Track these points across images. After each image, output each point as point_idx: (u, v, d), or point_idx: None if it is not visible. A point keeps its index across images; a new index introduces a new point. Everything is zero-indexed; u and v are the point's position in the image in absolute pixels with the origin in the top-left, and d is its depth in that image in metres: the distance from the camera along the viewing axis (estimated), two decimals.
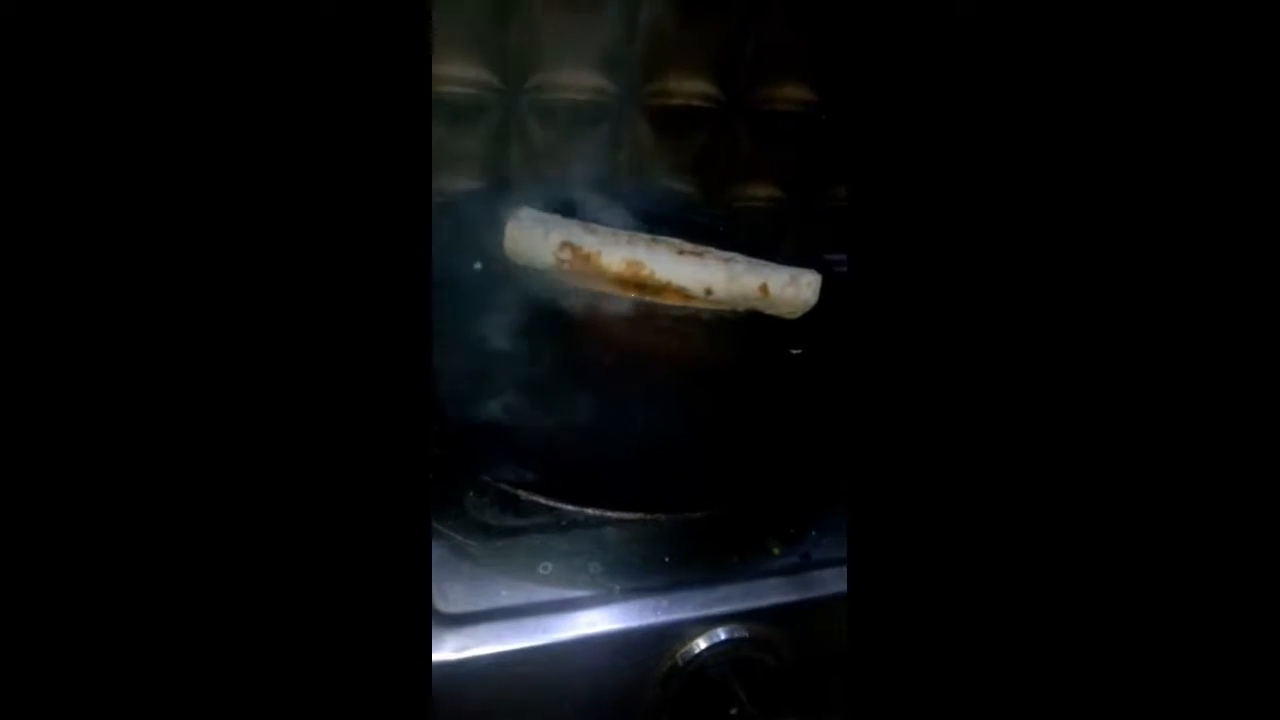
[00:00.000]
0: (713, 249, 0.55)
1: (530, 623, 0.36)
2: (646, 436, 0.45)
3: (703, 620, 0.38)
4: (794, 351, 0.53)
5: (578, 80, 0.66)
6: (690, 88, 0.69)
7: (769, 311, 0.54)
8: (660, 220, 0.64)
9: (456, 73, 0.63)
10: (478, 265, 0.56)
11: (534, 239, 0.54)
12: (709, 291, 0.53)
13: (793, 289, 0.53)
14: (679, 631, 0.38)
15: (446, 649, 0.34)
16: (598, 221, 0.58)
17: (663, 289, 0.54)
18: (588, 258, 0.53)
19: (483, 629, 0.35)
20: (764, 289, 0.52)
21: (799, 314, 0.54)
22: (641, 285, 0.53)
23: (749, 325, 0.55)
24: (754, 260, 0.54)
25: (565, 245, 0.53)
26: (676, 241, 0.55)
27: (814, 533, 0.44)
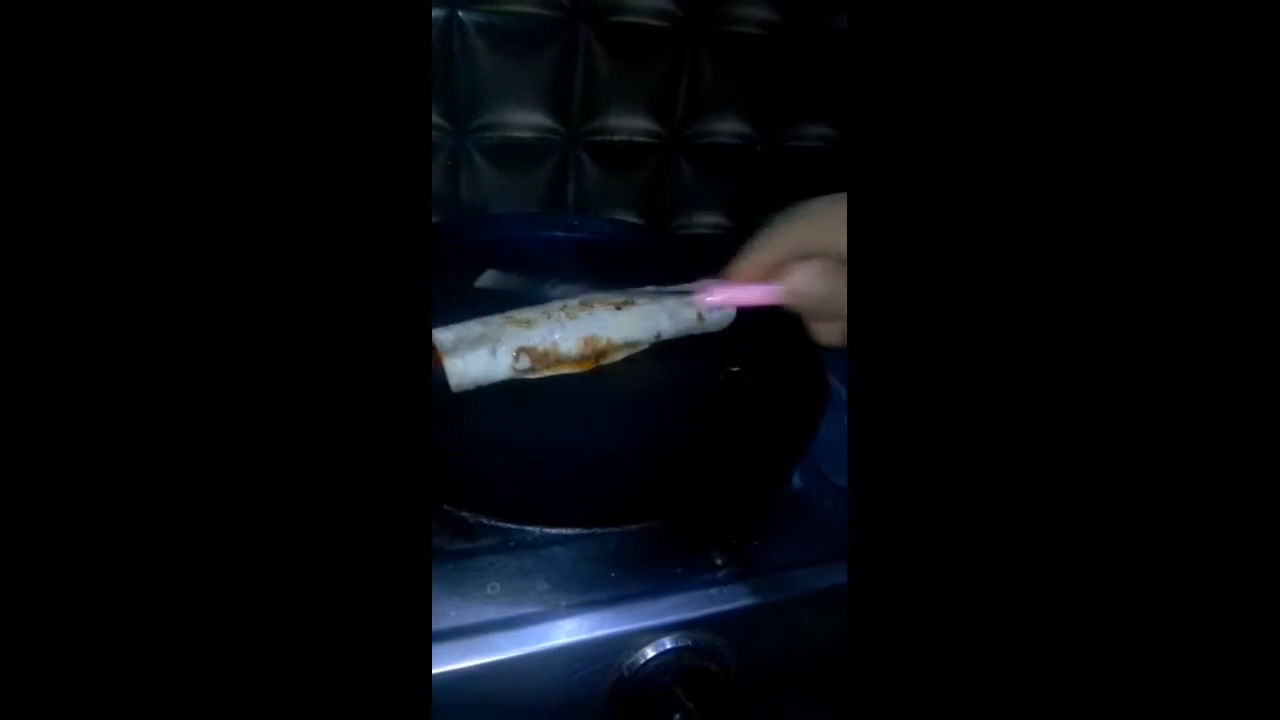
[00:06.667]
0: (633, 290, 0.56)
1: (478, 641, 0.37)
2: (590, 454, 0.46)
3: (648, 631, 0.40)
4: (732, 369, 0.55)
5: (522, 119, 0.69)
6: (631, 124, 0.73)
7: (701, 331, 0.57)
8: (607, 252, 0.67)
9: None
10: None
11: (483, 362, 0.50)
12: (659, 335, 0.55)
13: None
14: (625, 643, 0.39)
15: None
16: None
17: (619, 349, 0.54)
18: (546, 354, 0.51)
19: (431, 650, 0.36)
20: (700, 317, 0.55)
21: (725, 325, 0.58)
22: (600, 354, 0.54)
23: (684, 344, 0.58)
24: (670, 288, 0.57)
25: (520, 352, 0.50)
26: (601, 296, 0.56)
27: (757, 542, 0.45)
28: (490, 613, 0.39)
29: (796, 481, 0.50)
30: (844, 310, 0.33)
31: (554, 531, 0.39)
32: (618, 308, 0.54)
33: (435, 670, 0.36)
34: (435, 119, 0.67)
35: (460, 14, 0.62)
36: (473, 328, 0.51)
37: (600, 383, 0.53)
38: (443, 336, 0.50)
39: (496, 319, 0.52)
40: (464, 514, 0.39)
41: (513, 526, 0.39)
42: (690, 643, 0.40)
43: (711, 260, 0.65)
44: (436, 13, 0.62)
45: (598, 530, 0.39)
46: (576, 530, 0.39)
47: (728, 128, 0.76)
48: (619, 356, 0.55)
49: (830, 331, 0.41)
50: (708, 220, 0.83)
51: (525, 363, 0.50)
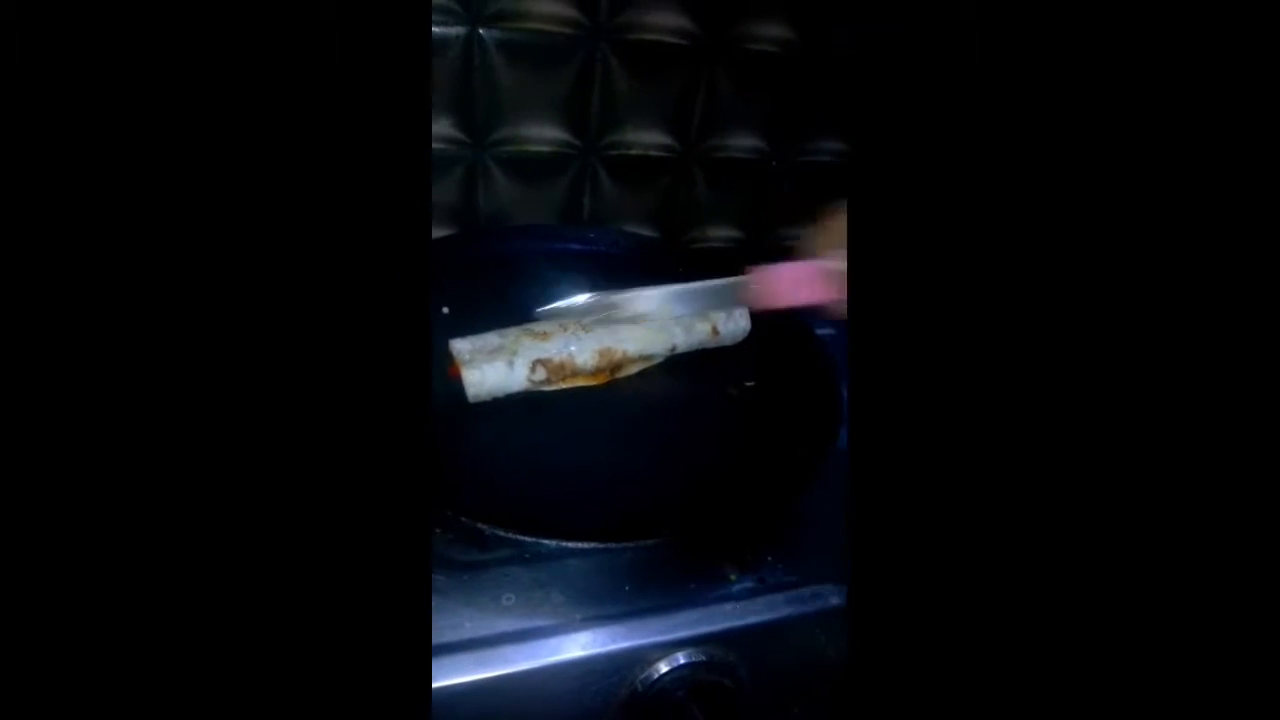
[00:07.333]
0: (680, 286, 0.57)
1: (492, 653, 0.37)
2: (605, 467, 0.46)
3: (662, 645, 0.40)
4: (747, 383, 0.55)
5: (540, 133, 0.70)
6: (647, 139, 0.74)
7: (715, 346, 0.57)
8: (622, 264, 0.68)
9: None
10: (445, 310, 0.58)
11: (500, 373, 0.50)
12: (674, 349, 0.56)
13: (733, 323, 0.57)
14: (639, 657, 0.39)
15: None
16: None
17: (634, 362, 0.55)
18: (562, 366, 0.52)
19: (445, 661, 0.36)
20: (714, 330, 0.56)
21: (739, 340, 0.59)
22: (616, 367, 0.54)
23: (699, 357, 0.58)
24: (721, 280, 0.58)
25: (536, 364, 0.51)
26: (650, 291, 0.55)
27: (770, 558, 0.45)
28: (504, 624, 0.39)
29: (810, 497, 0.50)
30: None
31: (569, 544, 0.39)
32: (633, 320, 0.55)
33: (449, 681, 0.36)
34: (454, 132, 0.68)
35: (481, 31, 0.63)
36: (490, 339, 0.52)
37: (615, 396, 0.53)
38: (461, 347, 0.51)
39: (513, 330, 0.53)
40: (479, 525, 0.39)
41: (528, 539, 0.39)
42: (704, 658, 0.40)
43: (722, 272, 0.66)
44: (458, 30, 0.63)
45: (613, 544, 0.39)
46: (592, 544, 0.39)
47: (743, 143, 0.77)
48: (634, 369, 0.55)
49: None
50: (721, 234, 0.83)
51: (541, 374, 0.51)
